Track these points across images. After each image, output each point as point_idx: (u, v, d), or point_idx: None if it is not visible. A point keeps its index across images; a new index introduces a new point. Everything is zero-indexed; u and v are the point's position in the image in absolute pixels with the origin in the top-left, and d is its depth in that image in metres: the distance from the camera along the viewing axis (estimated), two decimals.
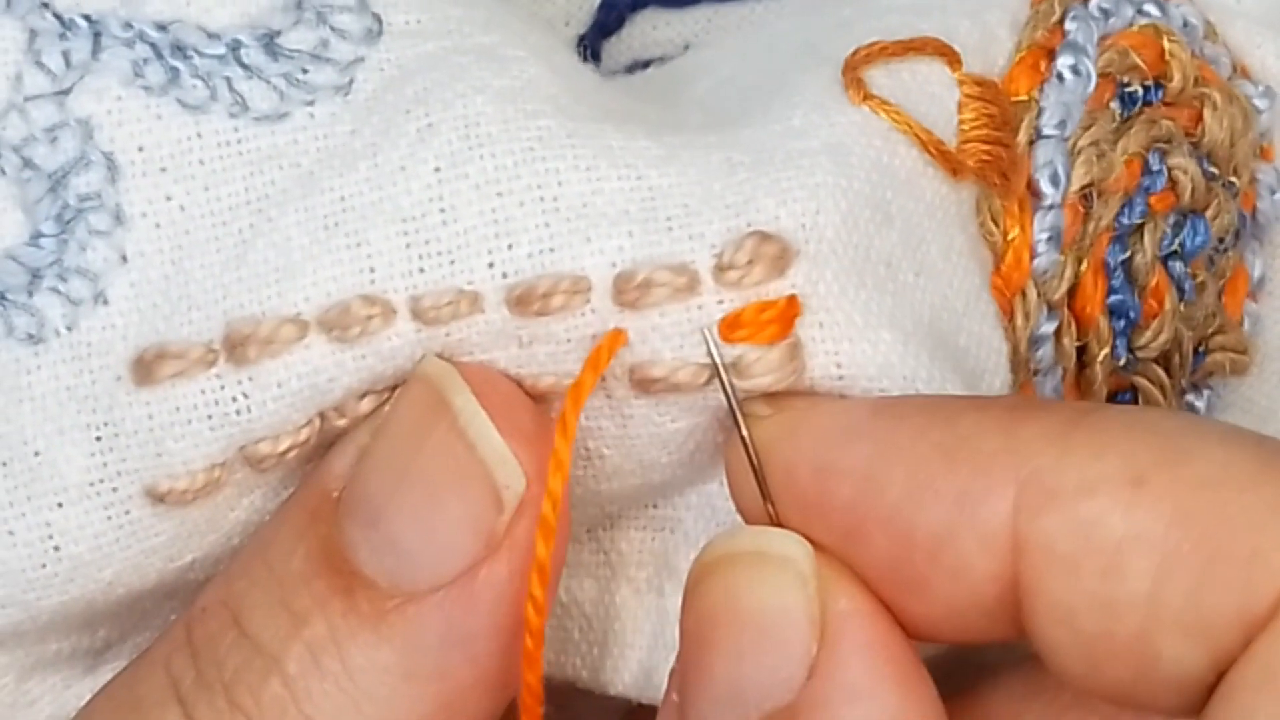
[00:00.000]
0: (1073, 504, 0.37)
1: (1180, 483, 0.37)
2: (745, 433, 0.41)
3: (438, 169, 0.42)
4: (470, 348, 0.42)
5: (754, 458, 0.41)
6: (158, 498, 0.42)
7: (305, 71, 0.44)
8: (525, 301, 0.41)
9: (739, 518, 0.43)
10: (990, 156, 0.46)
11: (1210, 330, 0.51)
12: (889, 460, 0.39)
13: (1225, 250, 0.51)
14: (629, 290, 0.41)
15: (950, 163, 0.45)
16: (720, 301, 0.41)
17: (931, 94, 0.45)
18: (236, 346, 0.42)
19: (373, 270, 0.42)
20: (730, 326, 0.42)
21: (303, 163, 0.43)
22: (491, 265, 0.42)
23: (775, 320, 0.41)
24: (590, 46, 0.60)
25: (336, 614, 0.41)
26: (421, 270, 0.42)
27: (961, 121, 0.46)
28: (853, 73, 0.44)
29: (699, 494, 0.46)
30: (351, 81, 0.44)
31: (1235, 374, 0.52)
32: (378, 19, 0.44)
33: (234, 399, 0.42)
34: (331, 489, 0.42)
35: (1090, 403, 0.41)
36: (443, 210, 0.42)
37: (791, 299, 0.41)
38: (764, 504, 0.41)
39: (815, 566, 0.40)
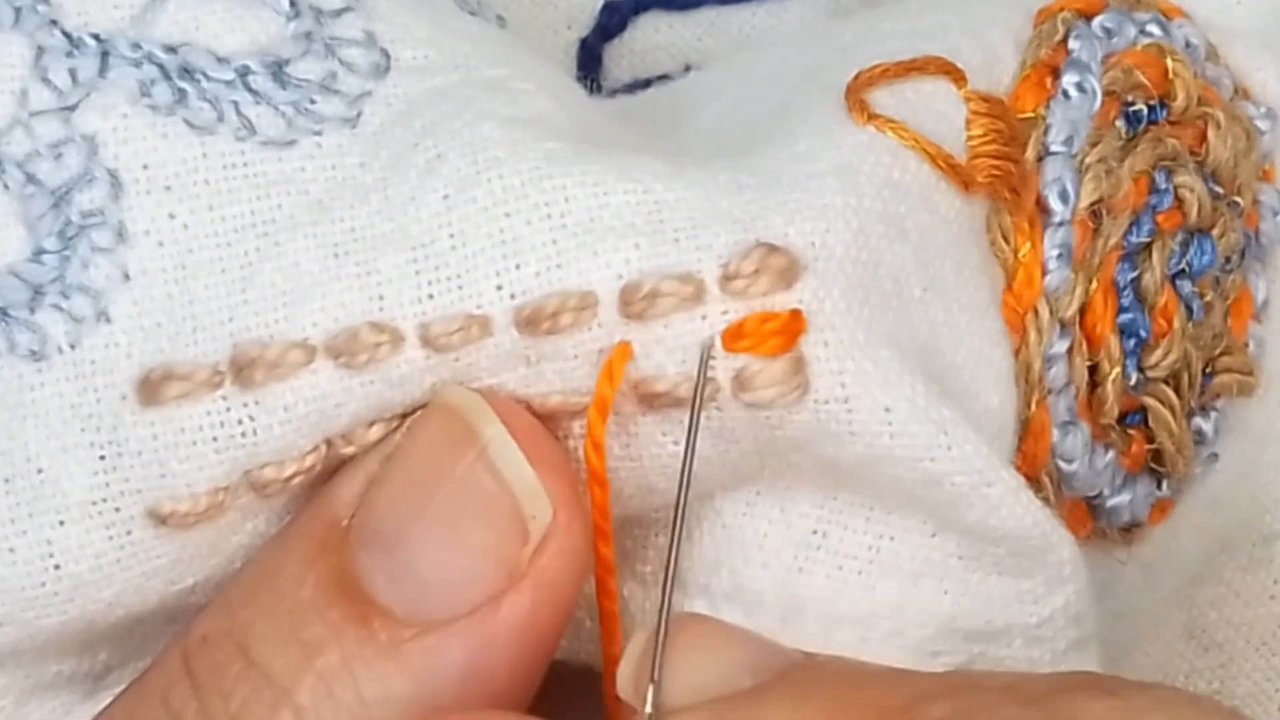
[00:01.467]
0: None
1: None
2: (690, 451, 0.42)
3: (446, 196, 0.42)
4: (479, 372, 0.42)
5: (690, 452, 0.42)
6: (160, 519, 0.42)
7: (313, 101, 0.44)
8: (534, 322, 0.41)
9: (740, 531, 0.45)
10: (1001, 171, 0.45)
11: (1217, 351, 0.51)
12: None
13: (1231, 271, 0.51)
14: (635, 301, 0.41)
15: (961, 176, 0.45)
16: (725, 312, 0.41)
17: (938, 111, 0.45)
18: (243, 369, 0.41)
19: (382, 298, 0.42)
20: (733, 336, 0.41)
21: (311, 190, 0.43)
22: (500, 287, 0.42)
23: (779, 332, 0.41)
24: (592, 50, 0.60)
25: (351, 643, 0.40)
26: (431, 297, 0.42)
27: (970, 137, 0.45)
28: (855, 95, 0.44)
29: (705, 506, 0.46)
30: (359, 115, 0.44)
31: (1242, 395, 0.52)
32: (385, 54, 0.44)
33: (240, 421, 0.42)
34: (340, 516, 0.42)
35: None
36: (452, 235, 0.42)
37: (795, 313, 0.41)
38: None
39: None
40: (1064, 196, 0.47)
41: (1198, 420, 0.51)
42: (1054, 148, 0.47)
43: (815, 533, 0.45)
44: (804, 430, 0.42)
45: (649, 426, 0.43)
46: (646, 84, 0.58)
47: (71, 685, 0.45)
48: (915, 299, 0.43)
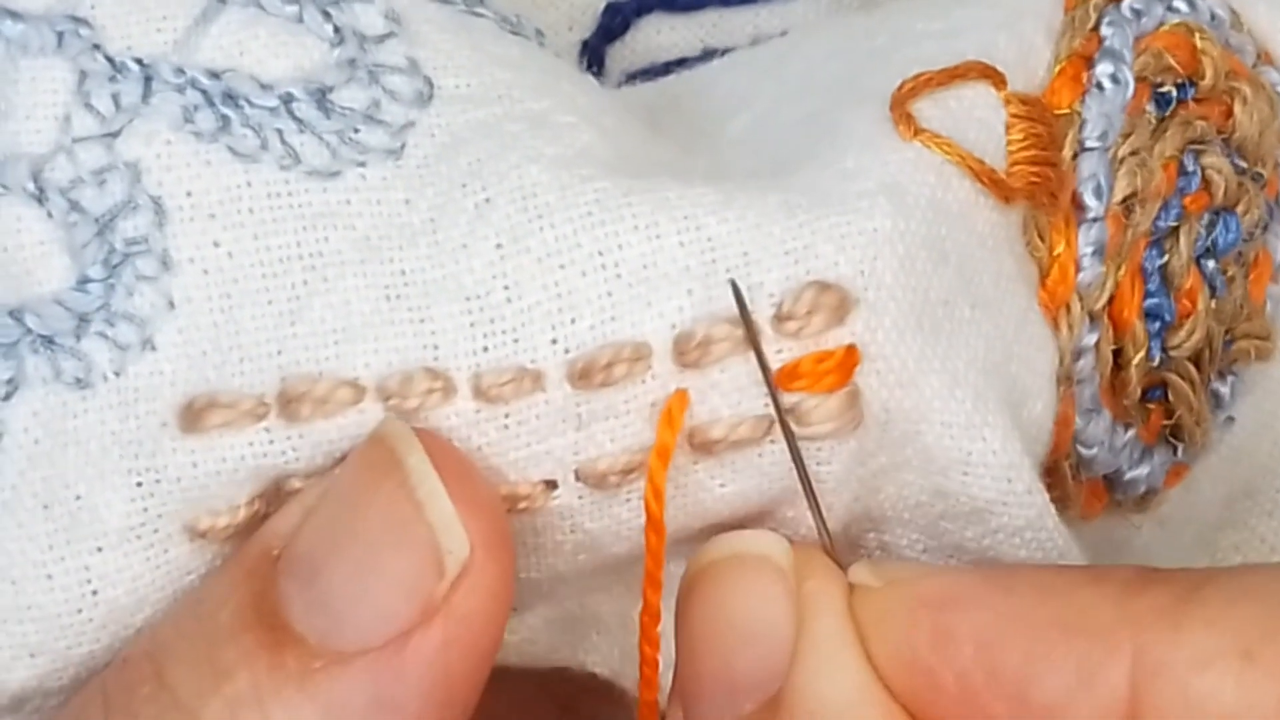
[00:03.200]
0: (1186, 678, 0.38)
1: None
2: (796, 451, 0.42)
3: (499, 245, 0.42)
4: (528, 436, 0.42)
5: (798, 459, 0.42)
6: (198, 534, 0.42)
7: (357, 131, 0.43)
8: (587, 374, 0.41)
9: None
10: (1039, 178, 0.45)
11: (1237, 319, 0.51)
12: (1008, 629, 0.40)
13: (1252, 241, 0.51)
14: (689, 351, 0.41)
15: (1003, 191, 0.45)
16: (779, 351, 0.42)
17: (979, 119, 0.45)
18: (290, 403, 0.41)
19: (436, 346, 0.42)
20: (789, 376, 0.42)
21: (357, 225, 0.42)
22: (554, 341, 0.41)
23: (834, 370, 0.41)
24: (594, 51, 0.59)
25: (262, 670, 0.40)
26: (486, 349, 0.41)
27: (1010, 143, 0.45)
28: (901, 108, 0.44)
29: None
30: (403, 146, 0.43)
31: (1260, 360, 0.52)
32: (429, 82, 0.44)
33: (282, 453, 0.41)
34: (272, 547, 0.41)
35: (1202, 572, 0.41)
36: (506, 287, 0.42)
37: (850, 348, 0.41)
38: (820, 533, 0.42)
39: (792, 558, 0.41)
40: (1099, 193, 0.47)
41: (1215, 385, 0.51)
42: (1089, 143, 0.47)
43: None
44: (846, 460, 0.43)
45: (699, 474, 0.43)
46: (665, 69, 0.58)
47: None
48: (967, 319, 0.43)
